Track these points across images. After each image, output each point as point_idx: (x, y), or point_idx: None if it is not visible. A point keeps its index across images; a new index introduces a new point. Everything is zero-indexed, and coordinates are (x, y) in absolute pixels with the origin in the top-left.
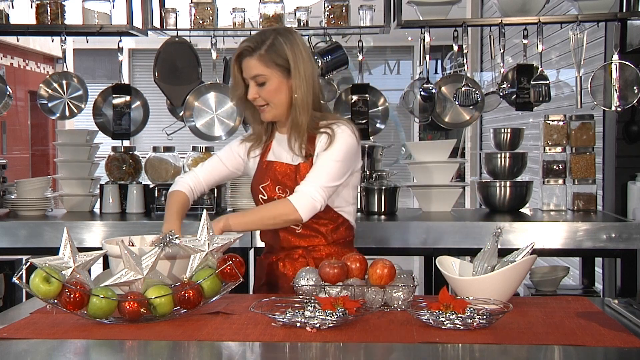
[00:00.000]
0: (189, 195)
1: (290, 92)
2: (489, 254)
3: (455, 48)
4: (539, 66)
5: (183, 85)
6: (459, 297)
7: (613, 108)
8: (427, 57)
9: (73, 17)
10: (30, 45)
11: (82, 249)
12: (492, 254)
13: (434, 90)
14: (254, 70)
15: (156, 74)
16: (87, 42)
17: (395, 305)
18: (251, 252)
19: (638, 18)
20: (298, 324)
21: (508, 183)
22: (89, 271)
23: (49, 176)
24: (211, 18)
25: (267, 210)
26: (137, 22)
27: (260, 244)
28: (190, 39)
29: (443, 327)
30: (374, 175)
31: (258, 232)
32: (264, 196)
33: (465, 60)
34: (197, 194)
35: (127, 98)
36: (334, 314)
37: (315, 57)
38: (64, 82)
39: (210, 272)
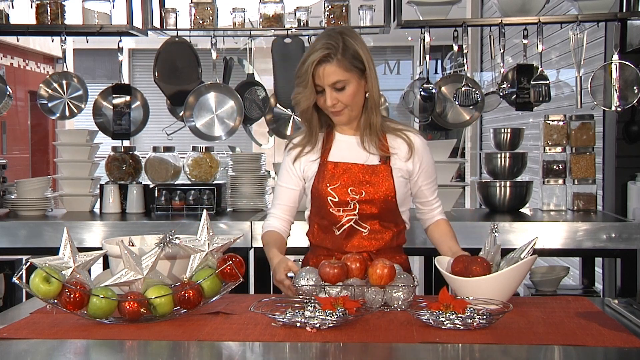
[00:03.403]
0: (281, 233)
1: (364, 92)
2: (493, 253)
3: (455, 48)
4: (539, 66)
5: (183, 85)
6: (458, 297)
7: (613, 108)
8: (427, 57)
9: (73, 17)
10: (30, 45)
11: (82, 249)
12: (495, 251)
13: (434, 90)
14: (333, 77)
15: (156, 74)
16: (87, 42)
17: (395, 305)
18: (251, 252)
19: (638, 18)
20: (298, 324)
21: (508, 183)
22: (89, 271)
23: (49, 176)
24: (211, 18)
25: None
26: (137, 22)
27: (259, 244)
28: (190, 39)
29: (443, 327)
30: None
31: (305, 231)
32: (335, 198)
33: (465, 60)
34: (287, 231)
35: (127, 98)
36: (334, 314)
37: None
38: (64, 82)
39: (210, 272)
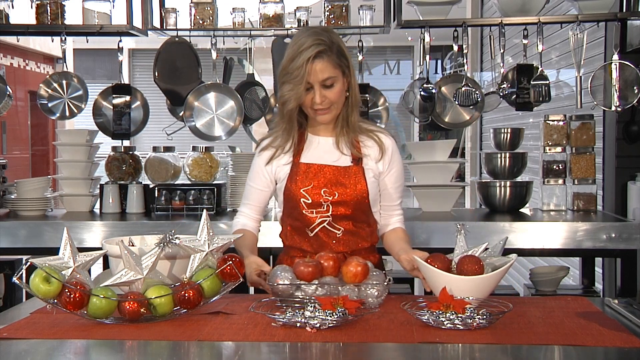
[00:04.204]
0: (252, 230)
1: (346, 91)
2: (479, 253)
3: (455, 48)
4: (539, 66)
5: (183, 85)
6: (458, 297)
7: (613, 108)
8: (427, 57)
9: (73, 17)
10: (30, 45)
11: (82, 249)
12: (491, 253)
13: (434, 90)
14: (324, 73)
15: (156, 74)
16: (87, 42)
17: (369, 303)
18: None
19: (638, 18)
20: (298, 324)
21: (508, 183)
22: (89, 271)
23: (49, 176)
24: (211, 18)
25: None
26: (137, 22)
27: (259, 244)
28: (190, 39)
29: (443, 327)
30: None
31: (278, 232)
32: (308, 200)
33: (465, 60)
34: (258, 227)
35: (127, 98)
36: (334, 314)
37: None
38: (64, 82)
39: (210, 272)
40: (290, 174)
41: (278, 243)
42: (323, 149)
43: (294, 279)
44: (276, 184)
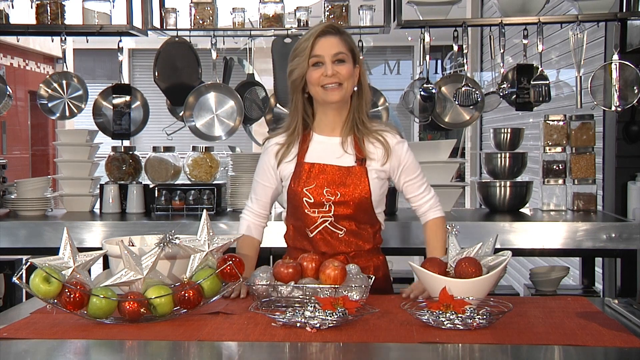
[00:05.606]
0: (255, 232)
1: (354, 82)
2: (475, 252)
3: (455, 48)
4: (539, 66)
5: (183, 85)
6: (458, 297)
7: (613, 108)
8: (427, 57)
9: (73, 17)
10: (30, 45)
11: (82, 249)
12: (484, 253)
13: (434, 90)
14: (336, 48)
15: (156, 74)
16: (87, 42)
17: None
18: None
19: (638, 18)
20: (298, 324)
21: (508, 183)
22: (89, 271)
23: (49, 176)
24: (211, 18)
25: (443, 234)
26: (137, 22)
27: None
28: (190, 39)
29: (443, 327)
30: None
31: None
32: (310, 199)
33: (465, 60)
34: (263, 224)
35: (127, 98)
36: (334, 314)
37: None
38: (64, 82)
39: (210, 272)
40: (294, 173)
41: (277, 243)
42: (327, 149)
43: (272, 280)
44: (281, 182)
